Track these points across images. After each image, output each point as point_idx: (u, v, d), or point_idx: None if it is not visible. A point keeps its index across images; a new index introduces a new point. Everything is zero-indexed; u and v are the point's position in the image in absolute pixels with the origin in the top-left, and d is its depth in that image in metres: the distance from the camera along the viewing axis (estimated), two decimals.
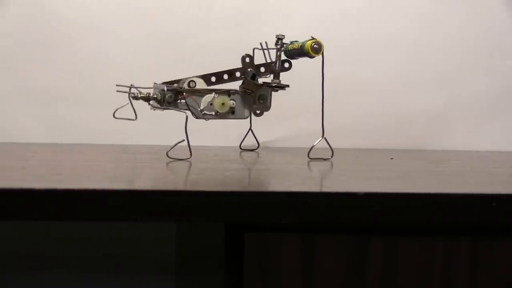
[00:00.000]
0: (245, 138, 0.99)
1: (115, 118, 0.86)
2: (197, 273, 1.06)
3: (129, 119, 0.85)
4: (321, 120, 0.85)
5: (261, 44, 0.91)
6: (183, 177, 0.73)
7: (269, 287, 0.59)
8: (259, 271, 0.59)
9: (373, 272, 0.60)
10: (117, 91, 0.84)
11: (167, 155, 0.81)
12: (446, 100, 1.14)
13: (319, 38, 0.85)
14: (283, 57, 0.91)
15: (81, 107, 1.08)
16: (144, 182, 0.69)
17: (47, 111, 1.08)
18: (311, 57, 0.85)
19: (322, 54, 0.85)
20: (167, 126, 0.93)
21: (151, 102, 0.86)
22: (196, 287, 1.07)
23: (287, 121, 1.08)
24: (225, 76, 0.91)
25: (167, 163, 0.79)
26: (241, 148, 1.00)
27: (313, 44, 0.84)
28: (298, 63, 0.99)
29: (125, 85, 0.85)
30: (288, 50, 0.89)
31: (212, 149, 1.01)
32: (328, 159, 0.85)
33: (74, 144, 1.05)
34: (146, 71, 1.09)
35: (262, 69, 0.92)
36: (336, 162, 0.85)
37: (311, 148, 0.84)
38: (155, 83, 0.87)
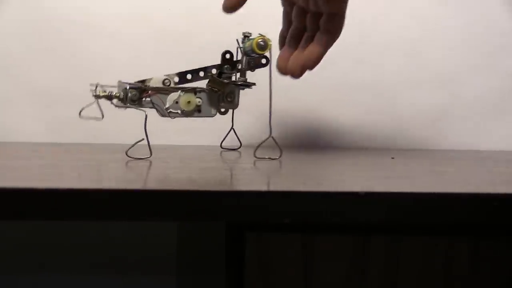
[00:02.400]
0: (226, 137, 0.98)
1: (81, 117, 0.83)
2: (198, 273, 1.06)
3: (95, 118, 0.83)
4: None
5: (237, 40, 0.90)
6: (185, 176, 0.73)
7: (270, 286, 0.59)
8: (260, 271, 0.59)
9: (373, 272, 0.60)
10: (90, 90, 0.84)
11: (126, 154, 0.80)
12: (447, 99, 1.14)
13: (266, 35, 0.84)
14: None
15: (81, 107, 1.08)
16: (144, 182, 0.69)
17: (48, 111, 1.08)
18: (258, 54, 0.85)
19: (270, 51, 0.84)
20: (166, 126, 0.93)
21: (113, 100, 0.85)
22: (197, 287, 1.06)
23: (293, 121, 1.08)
24: (201, 73, 0.90)
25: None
26: (221, 147, 0.99)
27: (259, 41, 0.84)
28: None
29: (93, 83, 0.84)
30: (245, 47, 0.88)
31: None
32: (276, 158, 0.84)
33: (75, 143, 1.05)
34: (146, 71, 1.09)
35: (239, 66, 0.91)
36: (336, 162, 0.85)
37: (257, 147, 0.82)
38: (119, 81, 0.87)
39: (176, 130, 1.02)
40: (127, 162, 0.85)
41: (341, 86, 1.11)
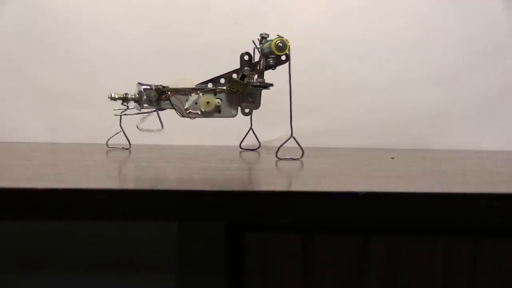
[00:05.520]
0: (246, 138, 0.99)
1: (108, 147, 0.93)
2: (197, 273, 1.06)
3: (122, 148, 0.93)
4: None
5: (253, 41, 0.90)
6: (185, 176, 0.73)
7: (269, 286, 0.59)
8: (260, 271, 0.59)
9: (373, 272, 0.60)
10: (115, 115, 0.89)
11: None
12: (447, 99, 1.14)
13: (285, 37, 0.85)
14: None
15: (82, 107, 1.08)
16: (143, 182, 0.69)
17: (48, 111, 1.08)
18: (277, 55, 0.85)
19: (289, 52, 0.84)
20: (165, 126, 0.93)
21: (130, 103, 0.87)
22: (197, 286, 1.06)
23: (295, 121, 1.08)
24: (222, 81, 0.90)
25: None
26: (241, 148, 1.00)
27: (277, 42, 0.84)
28: (300, 64, 0.98)
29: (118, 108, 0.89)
30: (263, 48, 0.88)
31: (213, 149, 1.01)
32: (298, 158, 0.84)
33: (75, 143, 1.05)
34: (147, 71, 1.09)
35: (255, 76, 0.91)
36: (336, 162, 0.85)
37: (279, 148, 0.83)
38: (138, 83, 0.88)
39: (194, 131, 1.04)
40: (127, 162, 0.85)
41: (341, 86, 1.11)
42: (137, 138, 0.93)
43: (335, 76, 1.11)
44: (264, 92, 0.91)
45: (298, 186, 0.65)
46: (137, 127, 0.83)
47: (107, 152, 0.95)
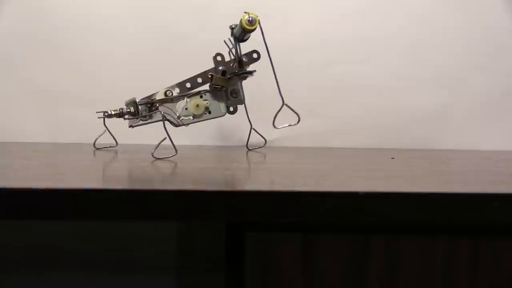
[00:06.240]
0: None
1: (96, 148, 0.95)
2: (198, 273, 1.06)
3: (110, 147, 0.96)
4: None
5: (225, 41, 0.91)
6: (185, 177, 0.73)
7: (270, 286, 0.59)
8: (260, 270, 0.59)
9: (374, 271, 0.60)
10: (98, 118, 0.90)
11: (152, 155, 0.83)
12: (447, 99, 1.14)
13: (252, 11, 0.86)
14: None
15: (82, 107, 1.08)
16: (143, 181, 0.69)
17: (48, 111, 1.08)
18: (249, 30, 0.86)
19: (260, 25, 0.85)
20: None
21: (126, 117, 0.88)
22: (197, 287, 1.06)
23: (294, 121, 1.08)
24: (199, 80, 0.91)
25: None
26: (248, 148, 1.00)
27: (246, 18, 0.85)
28: (300, 64, 0.99)
29: (100, 111, 0.90)
30: (235, 34, 0.89)
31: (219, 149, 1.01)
32: (295, 124, 0.86)
33: (75, 143, 1.05)
34: (147, 71, 1.09)
35: (235, 65, 0.91)
36: (336, 162, 0.85)
37: (275, 116, 0.85)
38: (126, 100, 0.89)
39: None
40: (127, 162, 0.85)
41: (341, 86, 1.11)
42: (144, 139, 0.93)
43: (335, 76, 1.11)
44: (257, 92, 0.92)
45: (298, 186, 0.65)
46: (152, 155, 0.83)
47: (106, 152, 0.95)
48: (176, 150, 0.83)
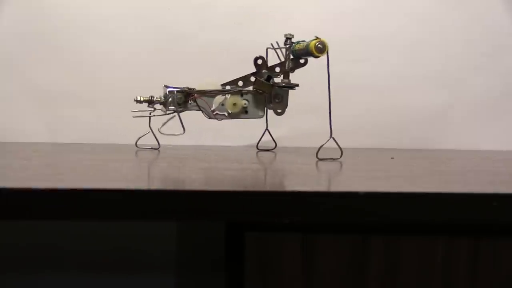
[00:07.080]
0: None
1: (161, 133, 0.91)
2: (197, 273, 1.06)
3: (174, 134, 0.91)
4: (324, 120, 0.86)
5: (272, 44, 0.91)
6: (185, 176, 0.73)
7: (270, 286, 0.59)
8: (260, 271, 0.59)
9: (373, 272, 0.60)
10: (133, 116, 0.88)
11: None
12: (447, 99, 1.14)
13: (323, 37, 0.85)
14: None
15: (82, 107, 1.08)
16: (143, 181, 0.69)
17: (48, 111, 1.08)
18: (316, 57, 0.85)
19: (327, 53, 0.85)
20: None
21: (155, 105, 0.88)
22: (197, 287, 1.06)
23: (296, 120, 1.08)
24: (240, 83, 0.92)
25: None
26: (258, 148, 1.00)
27: (317, 44, 0.85)
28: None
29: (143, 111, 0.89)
30: (295, 50, 0.89)
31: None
32: (337, 159, 0.85)
33: (75, 143, 1.05)
34: (147, 71, 1.09)
35: (277, 69, 0.92)
36: (336, 162, 0.85)
37: (319, 148, 0.84)
38: (164, 86, 0.88)
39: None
40: (127, 162, 0.85)
41: (341, 86, 1.11)
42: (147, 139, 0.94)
43: (336, 76, 1.11)
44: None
45: (298, 186, 0.65)
46: (159, 131, 0.84)
47: (106, 152, 0.95)
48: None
